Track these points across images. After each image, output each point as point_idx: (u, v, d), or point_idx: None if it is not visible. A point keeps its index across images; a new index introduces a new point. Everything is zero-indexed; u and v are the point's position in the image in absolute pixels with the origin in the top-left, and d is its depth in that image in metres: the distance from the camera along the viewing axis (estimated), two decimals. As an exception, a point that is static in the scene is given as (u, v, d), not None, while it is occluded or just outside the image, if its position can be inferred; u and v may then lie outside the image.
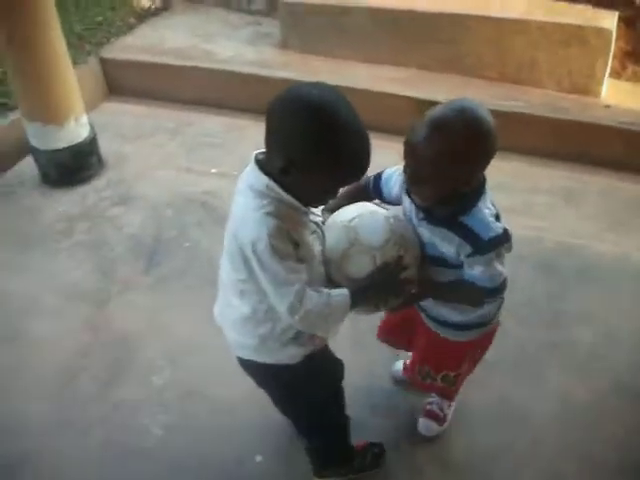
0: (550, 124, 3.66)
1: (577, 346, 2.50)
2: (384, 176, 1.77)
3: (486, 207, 1.57)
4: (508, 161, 3.55)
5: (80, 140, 3.27)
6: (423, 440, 2.19)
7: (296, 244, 1.44)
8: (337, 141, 1.35)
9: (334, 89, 1.40)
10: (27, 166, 3.43)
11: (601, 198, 3.30)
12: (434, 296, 1.76)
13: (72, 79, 3.17)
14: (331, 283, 1.58)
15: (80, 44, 4.41)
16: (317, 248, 1.55)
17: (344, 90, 1.42)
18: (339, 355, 1.86)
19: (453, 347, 1.88)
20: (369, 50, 4.17)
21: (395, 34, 4.08)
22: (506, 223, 1.60)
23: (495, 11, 3.93)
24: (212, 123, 3.86)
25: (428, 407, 2.21)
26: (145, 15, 4.82)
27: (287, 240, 1.41)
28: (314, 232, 1.54)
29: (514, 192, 3.29)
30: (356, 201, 1.71)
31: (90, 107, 4.04)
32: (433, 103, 1.54)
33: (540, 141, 3.66)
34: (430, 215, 1.60)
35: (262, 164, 1.45)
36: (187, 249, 2.98)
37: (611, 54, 3.79)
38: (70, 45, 4.31)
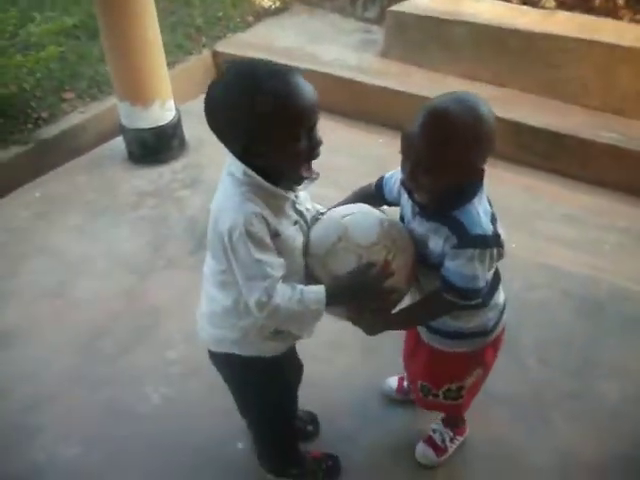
0: (644, 161, 3.39)
1: (599, 401, 2.27)
2: (386, 176, 1.74)
3: (481, 205, 1.51)
4: (587, 193, 3.36)
5: (163, 123, 3.49)
6: (408, 466, 2.09)
7: (275, 234, 1.41)
8: (260, 92, 1.32)
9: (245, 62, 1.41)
10: (118, 143, 3.70)
11: (681, 247, 2.99)
12: (405, 323, 1.73)
13: (162, 66, 3.40)
14: (311, 279, 1.53)
15: (198, 36, 4.70)
16: (299, 240, 1.50)
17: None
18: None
19: (450, 359, 1.80)
20: (469, 66, 4.07)
21: (497, 52, 3.96)
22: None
23: (605, 36, 3.69)
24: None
25: (430, 433, 2.13)
26: (264, 14, 5.03)
27: (265, 229, 1.38)
28: (296, 222, 1.50)
29: (585, 226, 3.08)
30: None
31: (194, 95, 4.27)
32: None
33: (629, 177, 3.39)
34: (425, 209, 1.57)
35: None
36: (236, 238, 3.08)
37: None
38: (188, 36, 4.67)
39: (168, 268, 2.93)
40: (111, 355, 2.52)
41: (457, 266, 1.50)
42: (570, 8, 4.01)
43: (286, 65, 1.41)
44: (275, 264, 1.41)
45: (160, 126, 3.47)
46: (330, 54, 4.43)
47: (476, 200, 1.50)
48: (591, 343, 2.49)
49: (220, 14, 4.91)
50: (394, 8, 4.30)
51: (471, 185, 1.51)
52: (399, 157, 1.52)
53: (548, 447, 2.13)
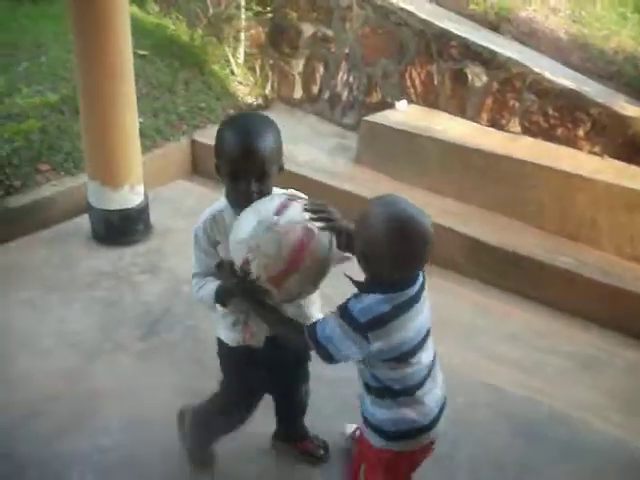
0: (596, 288, 3.49)
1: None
2: None
3: (373, 303, 1.60)
4: (537, 315, 3.44)
5: (130, 206, 3.54)
6: None
7: (216, 242, 1.86)
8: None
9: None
10: (85, 221, 3.72)
11: (624, 375, 3.03)
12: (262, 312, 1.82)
13: (136, 151, 3.48)
14: None
15: (179, 124, 4.85)
16: None
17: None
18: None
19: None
20: (436, 180, 4.24)
21: (462, 169, 4.14)
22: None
23: (564, 164, 3.89)
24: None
25: None
26: (245, 109, 5.22)
27: (207, 236, 1.87)
28: None
29: (528, 347, 3.12)
30: None
31: (168, 181, 4.38)
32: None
33: (580, 302, 3.48)
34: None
35: None
36: (187, 327, 3.07)
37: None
38: (169, 123, 4.81)
39: (115, 352, 2.89)
40: (41, 437, 2.44)
41: (327, 317, 1.67)
42: (534, 135, 4.22)
43: None
44: (207, 263, 1.94)
45: (127, 209, 3.52)
46: (304, 156, 4.58)
47: (373, 297, 1.60)
48: (524, 467, 2.47)
49: (203, 105, 5.09)
50: (368, 118, 4.51)
51: (377, 284, 1.62)
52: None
53: None
